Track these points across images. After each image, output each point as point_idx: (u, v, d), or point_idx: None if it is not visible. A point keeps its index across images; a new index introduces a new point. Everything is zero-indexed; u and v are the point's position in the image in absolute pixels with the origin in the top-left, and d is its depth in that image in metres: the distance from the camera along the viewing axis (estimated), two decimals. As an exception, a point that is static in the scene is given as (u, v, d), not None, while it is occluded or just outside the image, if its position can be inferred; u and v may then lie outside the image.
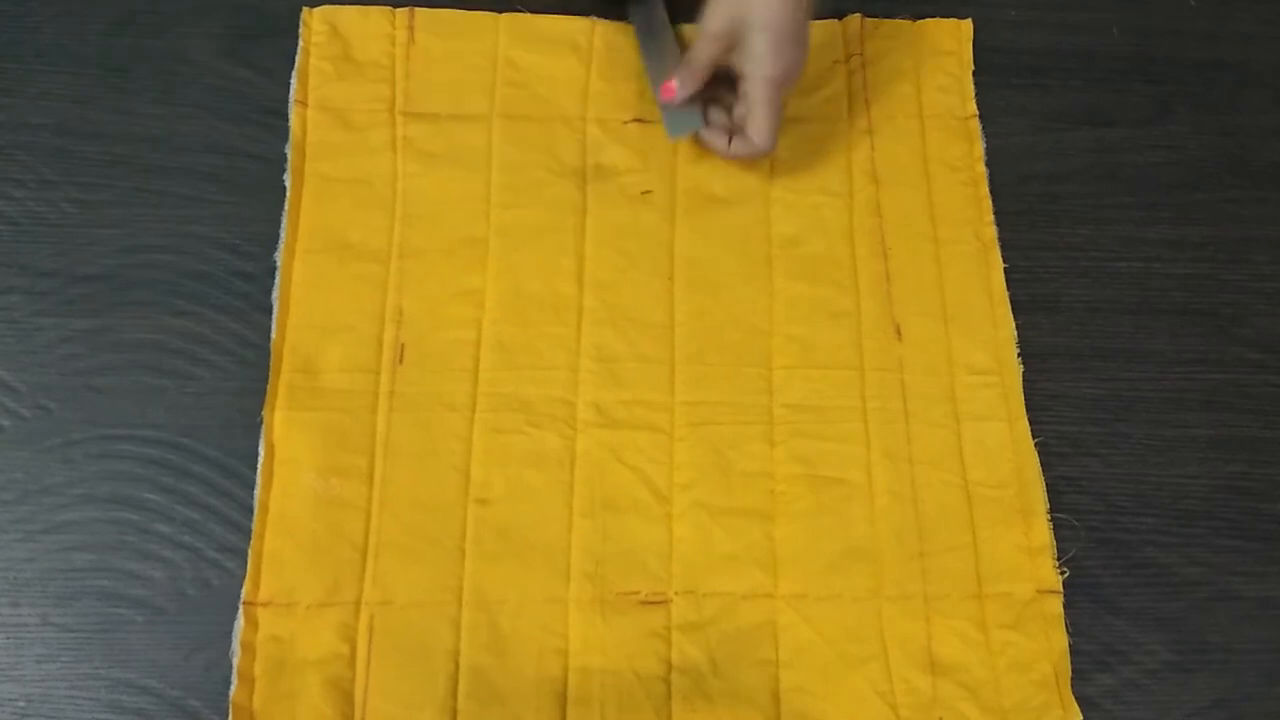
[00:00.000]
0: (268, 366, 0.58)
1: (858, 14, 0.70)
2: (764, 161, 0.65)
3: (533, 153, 0.64)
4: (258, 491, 0.55)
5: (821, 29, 0.69)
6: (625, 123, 0.66)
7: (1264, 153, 0.70)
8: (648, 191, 0.64)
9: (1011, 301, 0.63)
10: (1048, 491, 0.59)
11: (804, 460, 0.59)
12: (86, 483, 0.56)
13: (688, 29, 0.68)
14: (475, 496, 0.56)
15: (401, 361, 0.59)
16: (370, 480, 0.56)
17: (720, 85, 0.63)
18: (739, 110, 0.62)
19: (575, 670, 0.54)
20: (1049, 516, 0.58)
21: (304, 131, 0.63)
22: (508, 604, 0.54)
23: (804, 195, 0.65)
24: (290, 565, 0.54)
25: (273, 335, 0.58)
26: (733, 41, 0.60)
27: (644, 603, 0.55)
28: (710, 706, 0.53)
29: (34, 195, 0.61)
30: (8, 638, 0.53)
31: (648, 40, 0.66)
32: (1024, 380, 0.61)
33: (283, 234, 0.61)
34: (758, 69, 0.59)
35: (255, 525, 0.55)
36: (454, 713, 0.52)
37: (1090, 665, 0.56)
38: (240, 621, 0.53)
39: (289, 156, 0.62)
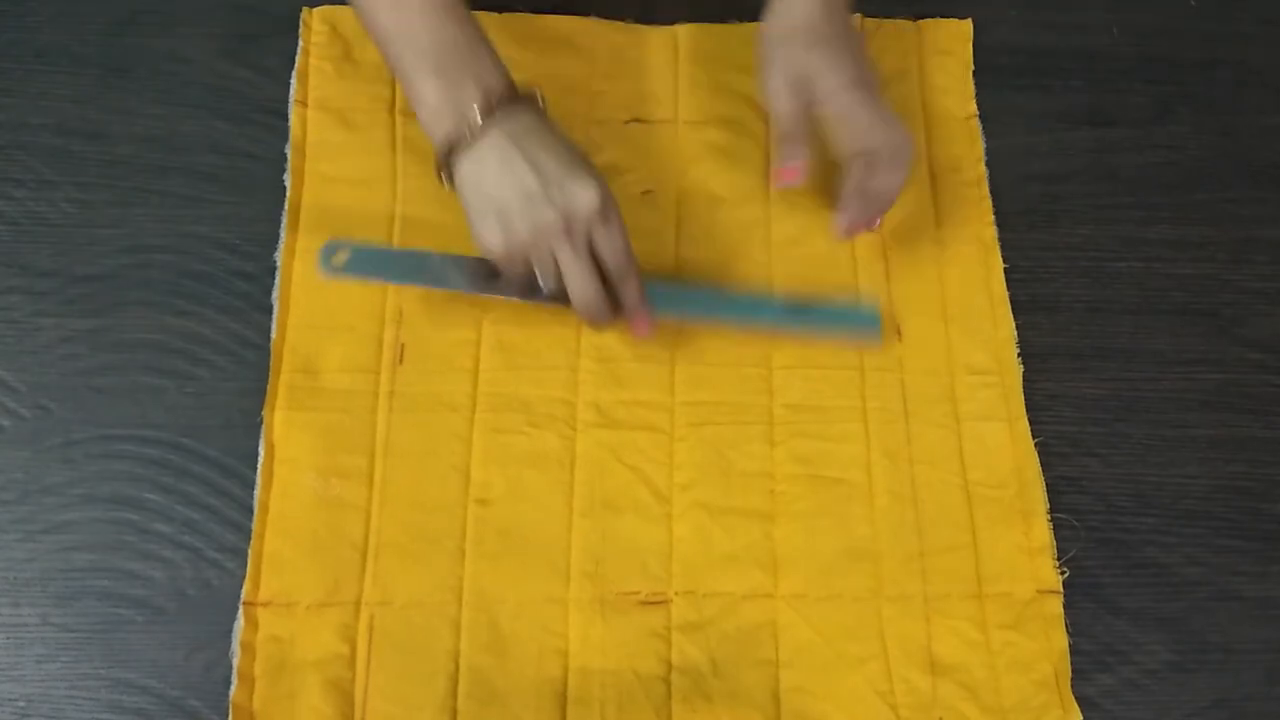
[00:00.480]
0: (268, 366, 0.58)
1: (858, 14, 0.70)
2: (763, 162, 0.65)
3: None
4: (258, 491, 0.55)
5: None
6: (625, 123, 0.66)
7: (1264, 153, 0.70)
8: (648, 191, 0.64)
9: (1011, 301, 0.63)
10: (1048, 491, 0.59)
11: (804, 460, 0.59)
12: (86, 483, 0.56)
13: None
14: (475, 496, 0.56)
15: (401, 361, 0.59)
16: (370, 480, 0.56)
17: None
18: (854, 165, 0.58)
19: (575, 670, 0.54)
20: (1049, 516, 0.58)
21: (304, 131, 0.63)
22: (508, 604, 0.54)
23: (804, 195, 0.65)
24: (290, 565, 0.54)
25: (273, 335, 0.58)
26: (798, 81, 0.57)
27: (644, 603, 0.55)
28: (710, 707, 0.53)
29: (34, 195, 0.61)
30: (8, 638, 0.53)
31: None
32: (1024, 380, 0.61)
33: (283, 234, 0.61)
34: (837, 83, 0.56)
35: (255, 525, 0.55)
36: (454, 713, 0.52)
37: (1090, 665, 0.56)
38: (240, 622, 0.53)
39: (289, 156, 0.63)
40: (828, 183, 0.65)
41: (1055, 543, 0.58)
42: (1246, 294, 0.66)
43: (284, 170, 0.62)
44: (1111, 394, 0.62)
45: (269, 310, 0.59)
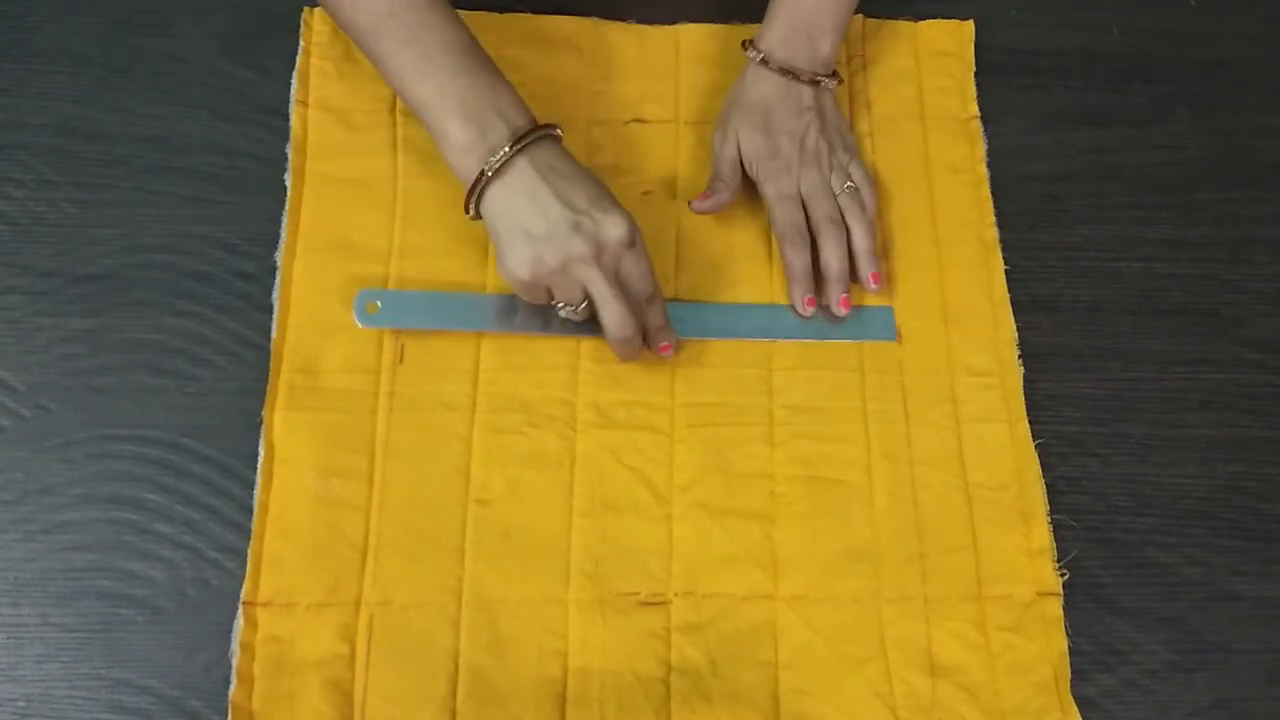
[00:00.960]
0: (268, 366, 0.58)
1: (859, 14, 0.69)
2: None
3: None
4: (258, 491, 0.55)
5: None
6: (626, 123, 0.66)
7: (1264, 153, 0.70)
8: (648, 192, 0.64)
9: (1012, 302, 0.63)
10: (1048, 492, 0.59)
11: (804, 461, 0.59)
12: (86, 483, 0.56)
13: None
14: (475, 497, 0.56)
15: (401, 361, 0.59)
16: (370, 480, 0.56)
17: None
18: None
19: (575, 671, 0.54)
20: (1049, 518, 0.58)
21: (304, 131, 0.63)
22: (507, 604, 0.54)
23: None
24: (290, 565, 0.54)
25: (273, 335, 0.58)
26: (744, 156, 0.62)
27: (643, 603, 0.55)
28: (710, 707, 0.53)
29: (34, 195, 0.61)
30: (8, 638, 0.53)
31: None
32: (1024, 381, 0.61)
33: (283, 234, 0.61)
34: (772, 169, 0.61)
35: (255, 525, 0.55)
36: (453, 713, 0.52)
37: (1090, 665, 0.56)
38: (240, 622, 0.53)
39: (289, 156, 0.63)
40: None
41: (1055, 543, 0.58)
42: (1246, 294, 0.66)
43: (284, 170, 0.62)
44: (1111, 394, 0.62)
45: (269, 310, 0.59)
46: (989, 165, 0.67)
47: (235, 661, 0.52)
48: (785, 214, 0.61)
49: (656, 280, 0.56)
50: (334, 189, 0.62)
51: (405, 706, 0.52)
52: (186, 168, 0.63)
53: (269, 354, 0.58)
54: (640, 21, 0.69)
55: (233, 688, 0.52)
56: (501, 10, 0.67)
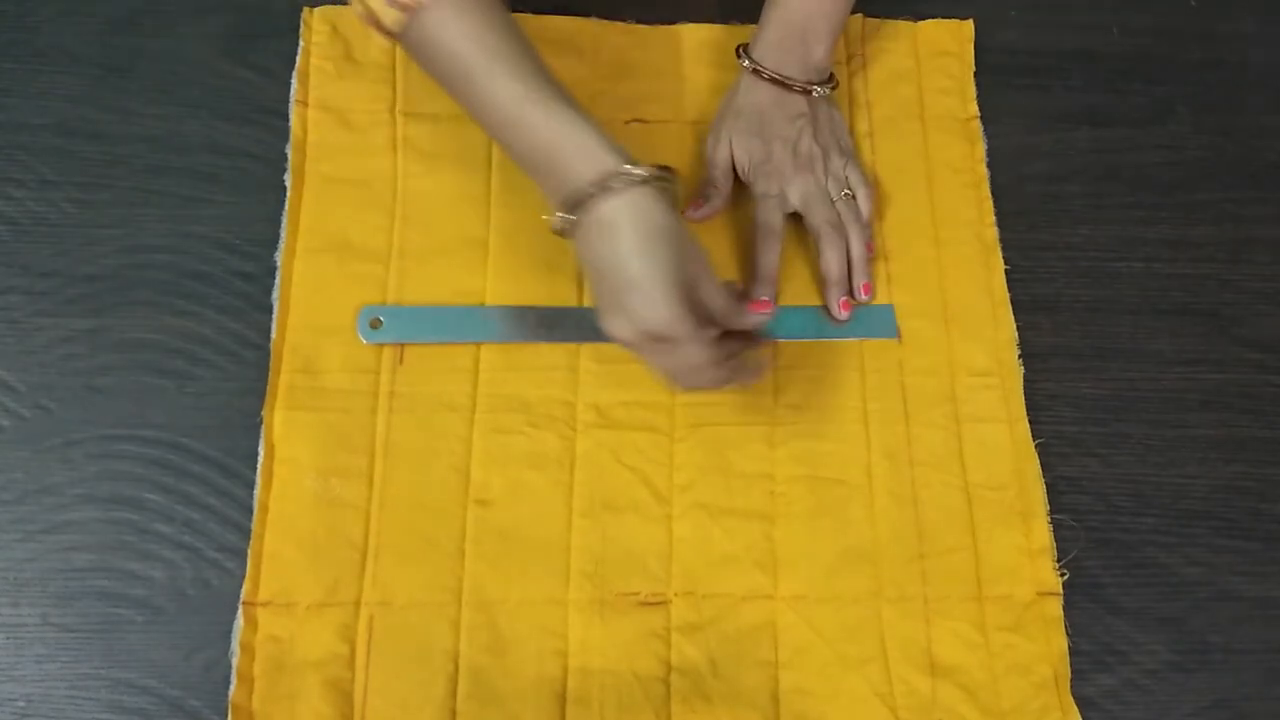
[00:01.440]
0: (268, 366, 0.58)
1: (858, 14, 0.69)
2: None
3: (533, 153, 0.64)
4: (258, 491, 0.55)
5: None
6: (626, 123, 0.66)
7: (1264, 153, 0.70)
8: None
9: (1012, 302, 0.63)
10: (1048, 492, 0.59)
11: (804, 461, 0.59)
12: (86, 483, 0.56)
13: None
14: (475, 497, 0.56)
15: (401, 362, 0.59)
16: (370, 481, 0.56)
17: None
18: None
19: (574, 671, 0.54)
20: (1049, 518, 0.58)
21: (304, 131, 0.63)
22: (507, 604, 0.54)
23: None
24: (290, 565, 0.54)
25: (273, 335, 0.58)
26: (737, 161, 0.62)
27: (643, 603, 0.55)
28: (709, 707, 0.53)
29: (34, 195, 0.61)
30: (8, 638, 0.53)
31: None
32: (1024, 381, 0.61)
33: (283, 234, 0.61)
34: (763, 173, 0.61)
35: (255, 525, 0.55)
36: (453, 713, 0.52)
37: (1090, 665, 0.56)
38: (240, 621, 0.53)
39: (289, 156, 0.62)
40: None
41: (1055, 543, 0.58)
42: (1246, 294, 0.66)
43: (284, 170, 0.62)
44: (1111, 394, 0.62)
45: (269, 310, 0.59)
46: (989, 165, 0.67)
47: (235, 661, 0.52)
48: (763, 212, 0.62)
49: (719, 364, 0.52)
50: (334, 189, 0.62)
51: (405, 707, 0.52)
52: (186, 168, 0.63)
53: (269, 354, 0.58)
54: (640, 21, 0.69)
55: (233, 688, 0.52)
56: (501, 10, 0.67)
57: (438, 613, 0.54)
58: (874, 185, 0.64)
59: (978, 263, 0.64)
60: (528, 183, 0.62)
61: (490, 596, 0.55)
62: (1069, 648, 0.56)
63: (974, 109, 0.68)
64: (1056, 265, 0.65)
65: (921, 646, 0.55)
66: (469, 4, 0.51)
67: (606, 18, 0.68)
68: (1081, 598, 0.57)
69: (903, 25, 0.71)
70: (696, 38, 0.69)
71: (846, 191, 0.62)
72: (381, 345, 0.59)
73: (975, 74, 0.70)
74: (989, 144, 0.68)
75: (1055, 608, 0.56)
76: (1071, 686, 0.55)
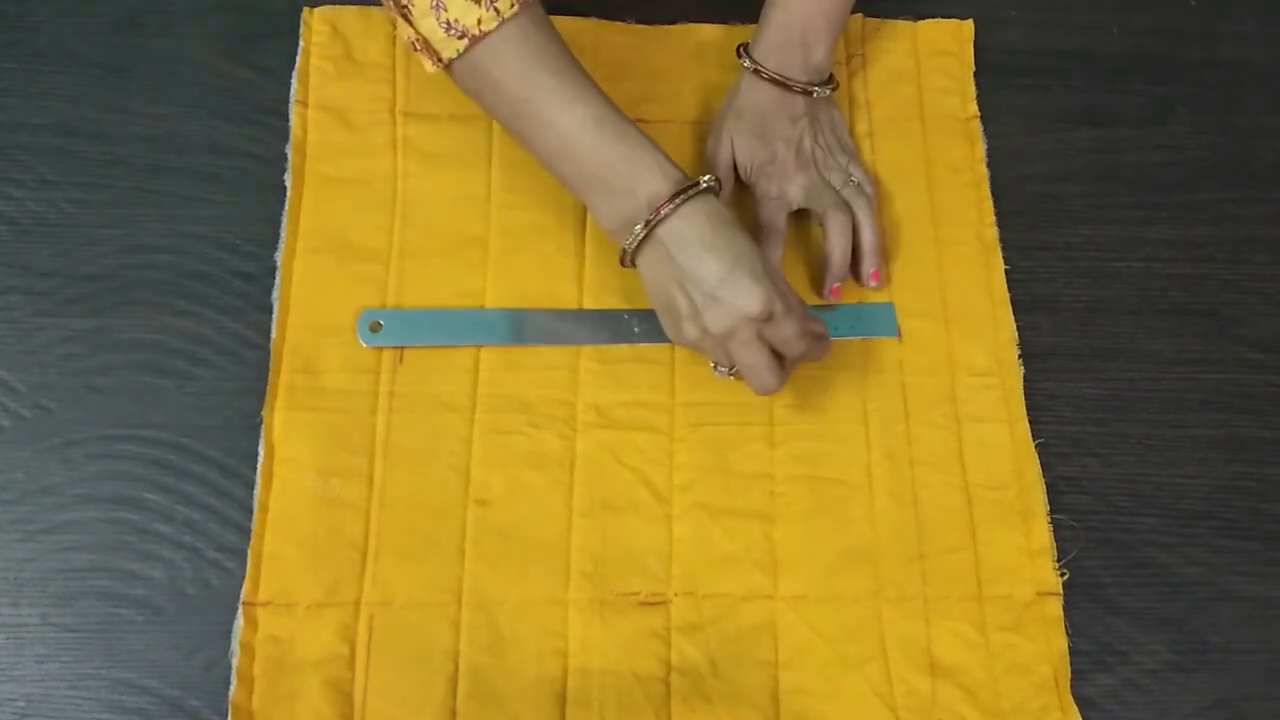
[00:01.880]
0: (268, 366, 0.58)
1: (858, 14, 0.69)
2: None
3: (533, 153, 0.64)
4: (258, 491, 0.55)
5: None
6: (625, 123, 0.66)
7: (1264, 153, 0.70)
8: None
9: (1012, 302, 0.63)
10: (1048, 492, 0.59)
11: (804, 461, 0.59)
12: (86, 483, 0.56)
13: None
14: (475, 497, 0.56)
15: (401, 362, 0.59)
16: (370, 481, 0.56)
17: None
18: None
19: (574, 671, 0.54)
20: (1049, 518, 0.58)
21: (304, 131, 0.63)
22: (507, 605, 0.54)
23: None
24: (290, 565, 0.54)
25: (273, 335, 0.58)
26: (738, 160, 0.63)
27: (643, 603, 0.55)
28: (709, 707, 0.53)
29: (34, 195, 0.61)
30: (8, 638, 0.53)
31: None
32: (1024, 381, 0.61)
33: (283, 234, 0.61)
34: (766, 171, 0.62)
35: (255, 525, 0.55)
36: (453, 713, 0.52)
37: (1090, 665, 0.56)
38: (240, 621, 0.53)
39: (289, 156, 0.62)
40: (828, 183, 0.65)
41: (1055, 543, 0.58)
42: (1246, 294, 0.66)
43: (284, 170, 0.62)
44: (1111, 394, 0.62)
45: (269, 310, 0.59)
46: (989, 165, 0.67)
47: (235, 661, 0.52)
48: (765, 213, 0.62)
49: (808, 333, 0.54)
50: (334, 189, 0.62)
51: (405, 707, 0.52)
52: (186, 168, 0.63)
53: (269, 354, 0.58)
54: (640, 22, 0.69)
55: (233, 688, 0.52)
56: (501, 10, 0.67)
57: (438, 613, 0.54)
58: (876, 184, 0.64)
59: (978, 263, 0.64)
60: (528, 183, 0.63)
61: (490, 596, 0.55)
62: (1069, 648, 0.56)
63: (974, 109, 0.69)
64: (1056, 265, 0.65)
65: (921, 646, 0.55)
66: (530, 28, 0.52)
67: (606, 18, 0.68)
68: (1081, 598, 0.57)
69: (902, 25, 0.71)
70: (696, 38, 0.69)
71: (852, 179, 0.62)
72: (386, 345, 0.59)
73: (975, 74, 0.70)
74: (989, 144, 0.68)
75: (1055, 608, 0.56)
76: (1071, 686, 0.55)
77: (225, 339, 0.59)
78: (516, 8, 0.50)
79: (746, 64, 0.62)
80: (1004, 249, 0.65)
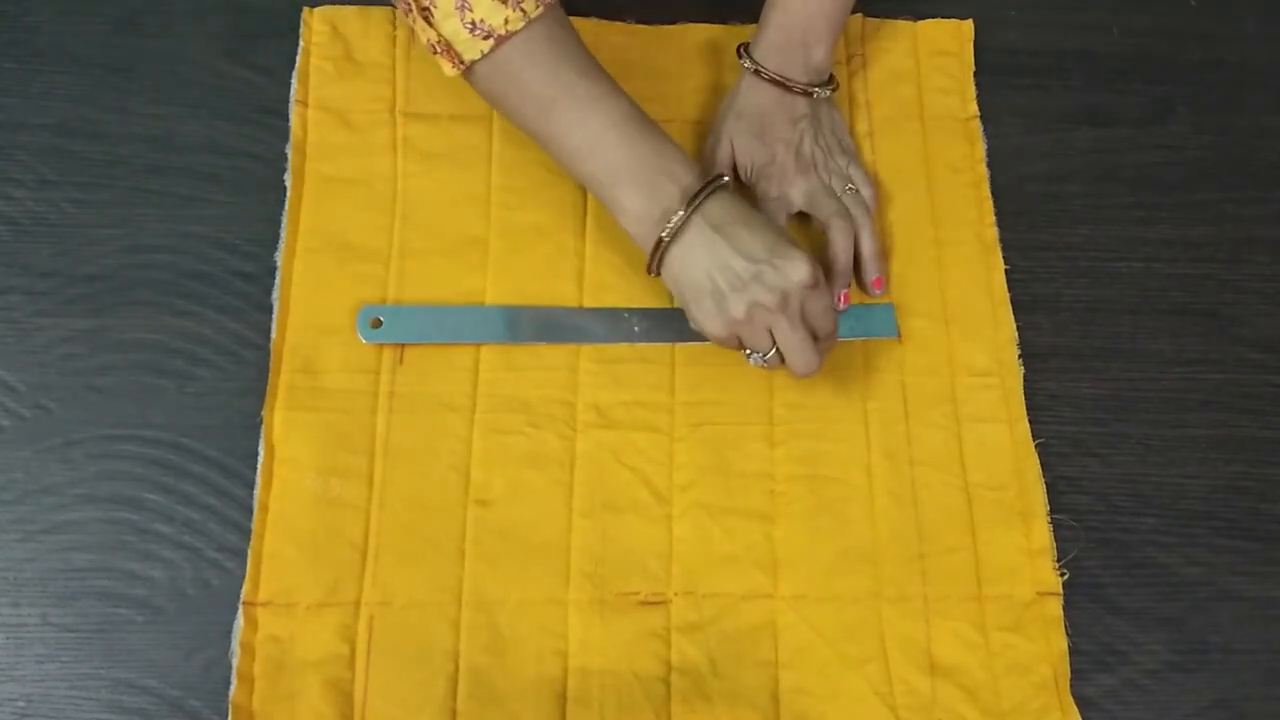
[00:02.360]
0: (268, 366, 0.58)
1: (858, 14, 0.69)
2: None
3: (533, 152, 0.64)
4: (258, 491, 0.55)
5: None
6: (625, 123, 0.66)
7: (1264, 153, 0.70)
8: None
9: (1012, 302, 0.63)
10: (1048, 492, 0.59)
11: (804, 461, 0.59)
12: (86, 483, 0.56)
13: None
14: (475, 497, 0.56)
15: (401, 362, 0.59)
16: (370, 481, 0.56)
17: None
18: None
19: (575, 671, 0.54)
20: (1049, 518, 0.58)
21: (304, 131, 0.63)
22: (507, 605, 0.54)
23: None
24: (290, 565, 0.54)
25: (273, 335, 0.58)
26: (738, 162, 0.63)
27: (643, 603, 0.55)
28: (709, 707, 0.53)
29: (34, 195, 0.61)
30: (8, 638, 0.53)
31: None
32: (1024, 381, 0.61)
33: (283, 234, 0.61)
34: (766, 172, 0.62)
35: (255, 525, 0.55)
36: (453, 713, 0.52)
37: (1090, 665, 0.56)
38: (240, 621, 0.53)
39: (289, 156, 0.62)
40: (828, 183, 0.65)
41: (1055, 543, 0.58)
42: (1246, 294, 0.66)
43: (284, 170, 0.62)
44: (1111, 394, 0.62)
45: (269, 310, 0.59)
46: (989, 165, 0.67)
47: (235, 661, 0.52)
48: (764, 213, 0.61)
49: (835, 315, 0.56)
50: (334, 189, 0.62)
51: (405, 707, 0.52)
52: (186, 168, 0.63)
53: (269, 354, 0.58)
54: (640, 22, 0.69)
55: (233, 688, 0.52)
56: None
57: (438, 613, 0.54)
58: (876, 185, 0.64)
59: (978, 263, 0.64)
60: (528, 183, 0.63)
61: (490, 596, 0.55)
62: (1069, 648, 0.56)
63: (974, 109, 0.69)
64: (1056, 265, 0.65)
65: (921, 646, 0.55)
66: (555, 28, 0.53)
67: (606, 18, 0.68)
68: (1081, 598, 0.57)
69: (902, 25, 0.71)
70: (696, 38, 0.69)
71: (850, 186, 0.62)
72: (381, 345, 0.59)
73: (975, 74, 0.70)
74: (989, 144, 0.68)
75: (1055, 608, 0.56)
76: (1071, 686, 0.55)
77: (225, 339, 0.59)
78: (541, 8, 0.51)
79: (747, 65, 0.62)
80: (1004, 249, 0.65)
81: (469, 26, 0.51)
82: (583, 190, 0.63)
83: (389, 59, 0.66)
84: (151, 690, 0.52)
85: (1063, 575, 0.57)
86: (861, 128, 0.67)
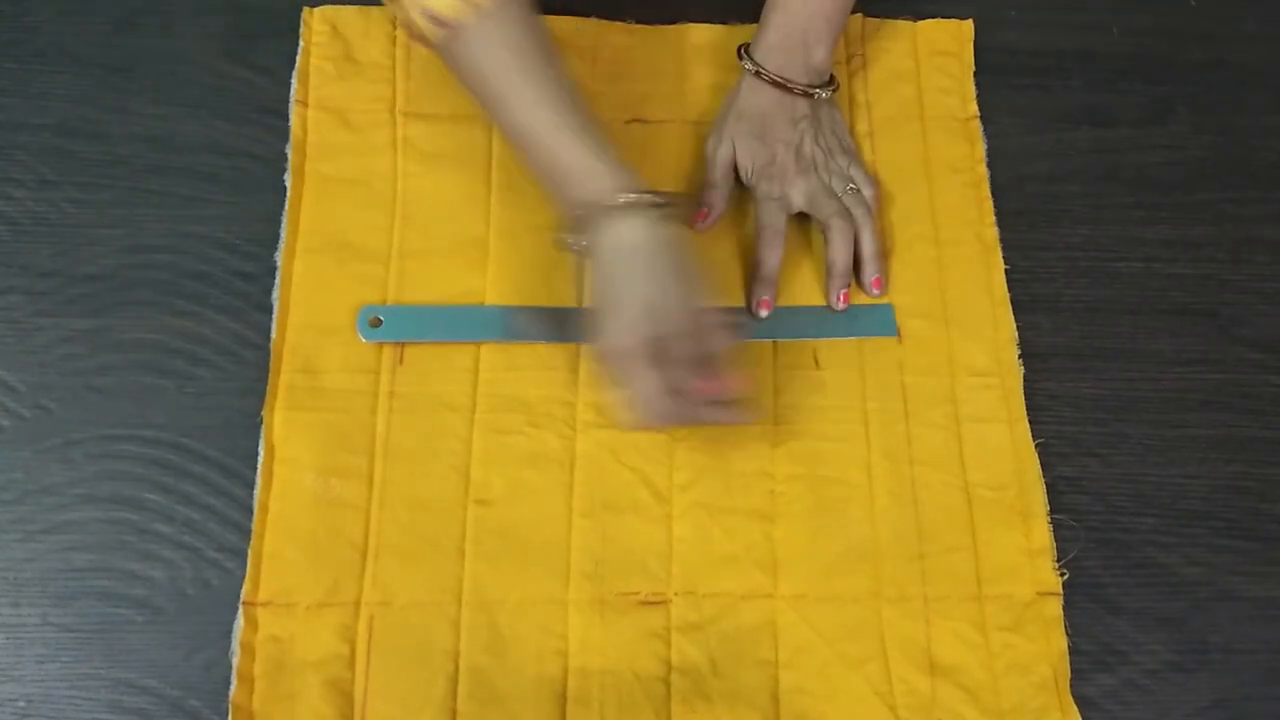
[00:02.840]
0: (268, 366, 0.58)
1: (858, 14, 0.69)
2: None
3: (533, 153, 0.64)
4: (258, 491, 0.55)
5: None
6: (626, 123, 0.66)
7: (1264, 153, 0.70)
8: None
9: (1012, 302, 0.63)
10: (1048, 492, 0.59)
11: (804, 461, 0.59)
12: (86, 483, 0.56)
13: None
14: (475, 497, 0.56)
15: (401, 362, 0.59)
16: (370, 481, 0.56)
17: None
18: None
19: (575, 671, 0.54)
20: (1049, 518, 0.58)
21: (304, 131, 0.63)
22: (507, 604, 0.54)
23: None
24: (290, 566, 0.54)
25: (273, 335, 0.58)
26: (739, 162, 0.62)
27: (643, 603, 0.55)
28: (709, 707, 0.53)
29: (34, 195, 0.61)
30: (8, 638, 0.53)
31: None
32: (1024, 381, 0.61)
33: (283, 234, 0.61)
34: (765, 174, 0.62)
35: (255, 525, 0.55)
36: (453, 713, 0.52)
37: (1090, 665, 0.56)
38: (240, 621, 0.53)
39: (289, 156, 0.62)
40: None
41: (1055, 543, 0.58)
42: (1246, 294, 0.66)
43: (284, 170, 0.62)
44: (1111, 394, 0.62)
45: (269, 310, 0.59)
46: (989, 165, 0.67)
47: (235, 661, 0.52)
48: (767, 214, 0.62)
49: (663, 396, 0.52)
50: (334, 189, 0.62)
51: (405, 706, 0.52)
52: (186, 168, 0.63)
53: (269, 354, 0.58)
54: (640, 21, 0.69)
55: (233, 688, 0.52)
56: (501, 10, 0.67)
57: (438, 613, 0.54)
58: (876, 185, 0.64)
59: (978, 263, 0.64)
60: (528, 183, 0.63)
61: (490, 596, 0.55)
62: (1069, 648, 0.56)
63: (974, 109, 0.69)
64: (1056, 265, 0.65)
65: (921, 646, 0.55)
66: (511, 23, 0.52)
67: (606, 18, 0.68)
68: (1081, 598, 0.57)
69: (902, 25, 0.71)
70: (696, 38, 0.69)
71: (852, 186, 0.63)
72: (381, 345, 0.59)
73: (975, 74, 0.70)
74: (989, 144, 0.68)
75: (1055, 608, 0.56)
76: (1071, 686, 0.55)
77: (225, 339, 0.59)
78: (493, 3, 0.51)
79: (748, 66, 0.62)
80: (1004, 249, 0.65)
81: (426, 15, 0.51)
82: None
83: (389, 59, 0.66)
84: (151, 690, 0.52)
85: (1063, 575, 0.57)
86: (861, 128, 0.67)
